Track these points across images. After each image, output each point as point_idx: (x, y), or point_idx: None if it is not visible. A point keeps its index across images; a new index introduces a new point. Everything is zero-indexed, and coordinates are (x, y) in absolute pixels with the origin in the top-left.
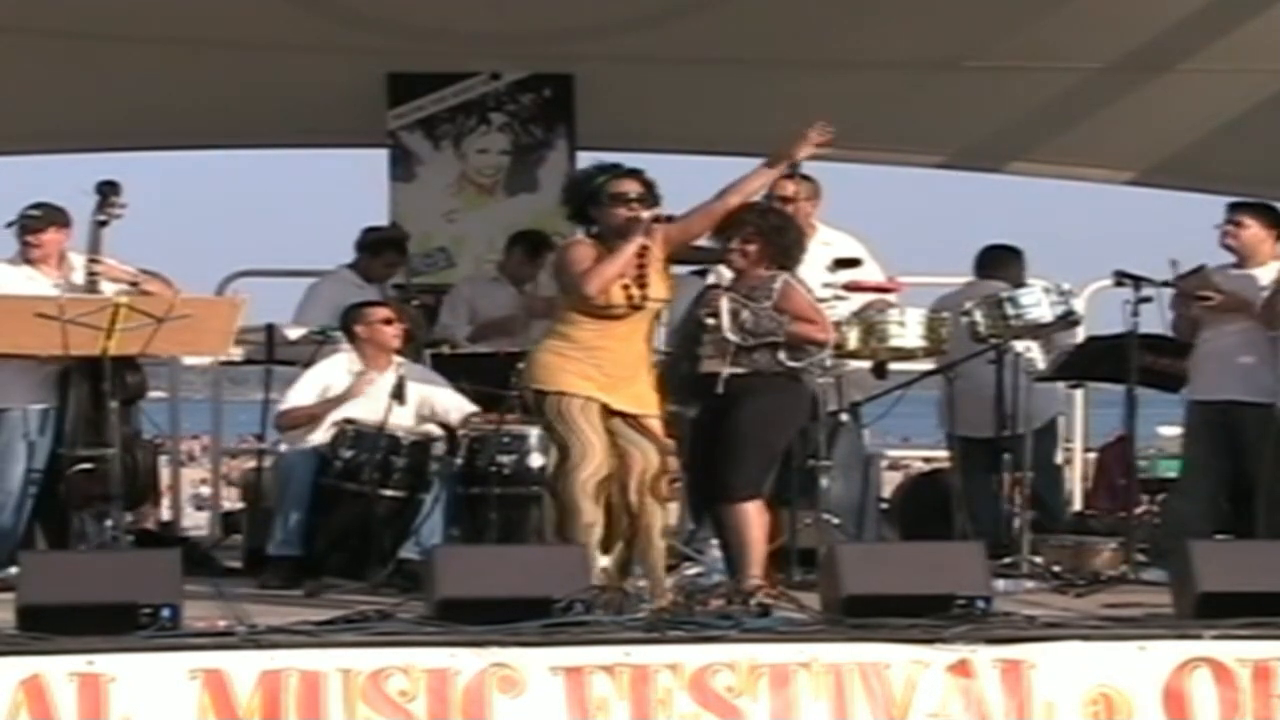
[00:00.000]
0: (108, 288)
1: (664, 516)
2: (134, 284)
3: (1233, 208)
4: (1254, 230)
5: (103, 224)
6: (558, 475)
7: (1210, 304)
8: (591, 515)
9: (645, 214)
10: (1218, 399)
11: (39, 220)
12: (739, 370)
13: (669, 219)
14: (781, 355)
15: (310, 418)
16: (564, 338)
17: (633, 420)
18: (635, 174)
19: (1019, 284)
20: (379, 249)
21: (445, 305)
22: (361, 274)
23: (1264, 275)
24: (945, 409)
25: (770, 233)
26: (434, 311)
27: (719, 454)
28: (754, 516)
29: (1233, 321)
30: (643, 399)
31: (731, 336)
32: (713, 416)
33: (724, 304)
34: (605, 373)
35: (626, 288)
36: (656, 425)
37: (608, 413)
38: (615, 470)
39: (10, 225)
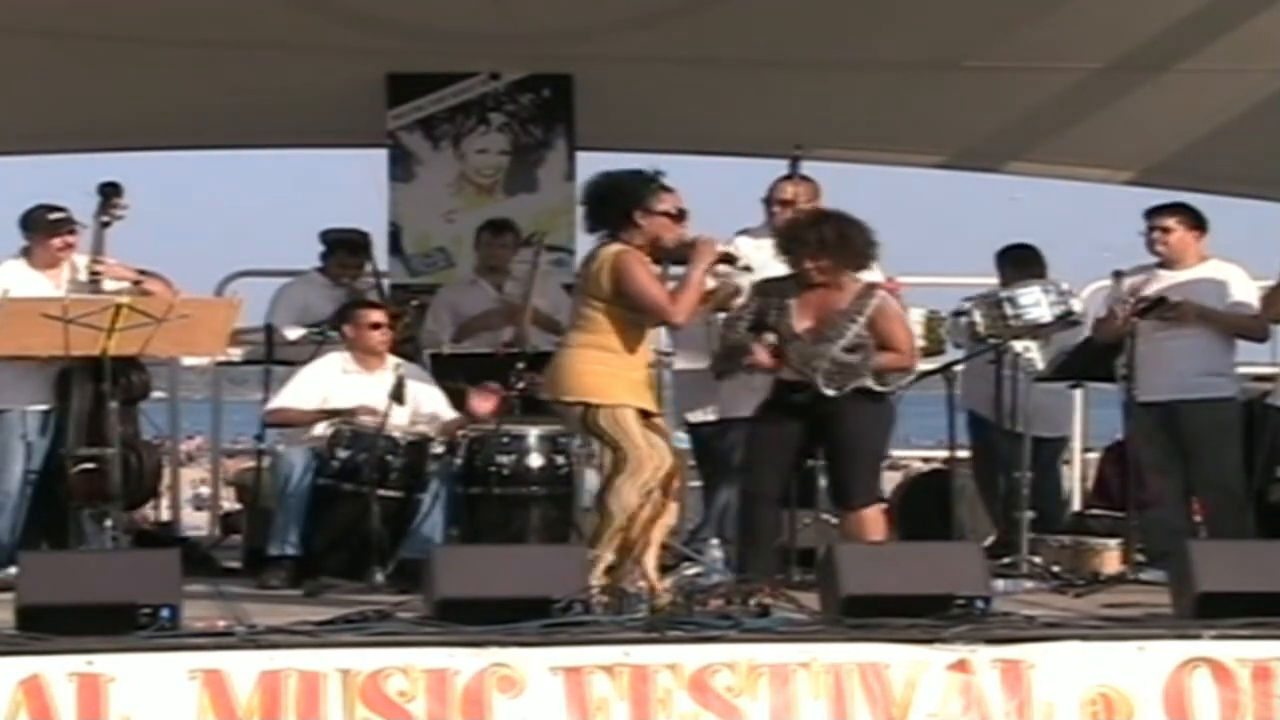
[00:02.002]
0: (109, 287)
1: (672, 513)
2: (136, 283)
3: (1154, 212)
4: (1180, 233)
5: (105, 225)
6: (612, 483)
7: (1174, 318)
8: (630, 521)
9: (706, 235)
10: (1166, 399)
11: (68, 221)
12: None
13: None
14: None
15: (301, 421)
16: (604, 348)
17: (647, 421)
18: (670, 189)
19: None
20: (332, 249)
21: (429, 313)
22: (326, 274)
23: (1196, 273)
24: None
25: (836, 242)
26: None
27: (834, 463)
28: (875, 521)
29: (1177, 325)
30: (654, 400)
31: (829, 392)
32: (809, 425)
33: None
34: (634, 378)
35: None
36: (665, 425)
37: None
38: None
39: (34, 227)
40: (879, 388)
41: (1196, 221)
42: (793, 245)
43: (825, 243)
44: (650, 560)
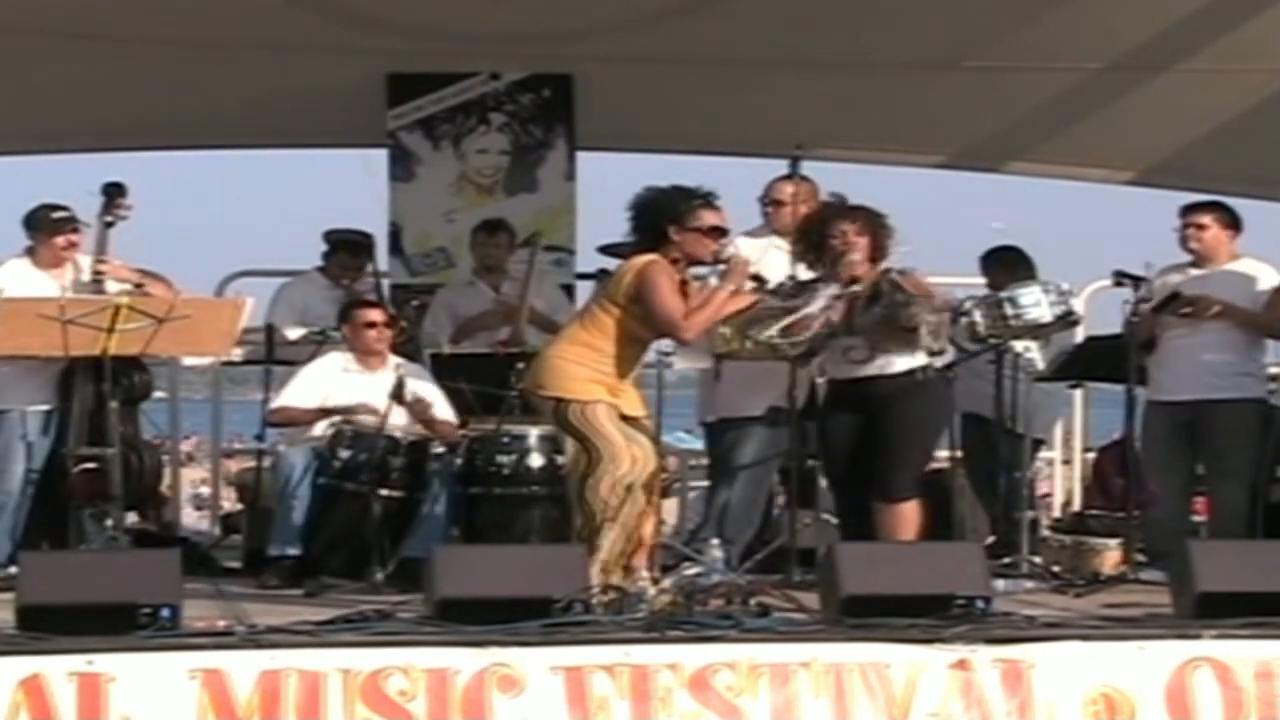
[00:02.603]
0: (112, 287)
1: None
2: (138, 285)
3: (1190, 209)
4: (1214, 231)
5: (109, 225)
6: (587, 479)
7: (1191, 313)
8: (612, 515)
9: (741, 256)
10: (1187, 399)
11: (71, 220)
12: (891, 372)
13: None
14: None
15: (304, 421)
16: (591, 347)
17: (632, 421)
18: (717, 206)
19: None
20: (334, 250)
21: (428, 315)
22: (326, 275)
23: (1227, 272)
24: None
25: (871, 221)
26: None
27: (878, 455)
28: (911, 517)
29: (1197, 321)
30: (639, 402)
31: (932, 344)
32: (862, 419)
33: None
34: (614, 379)
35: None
36: (650, 426)
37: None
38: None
39: (39, 226)
40: (933, 346)
41: (1232, 220)
42: (829, 224)
43: (868, 216)
44: (641, 560)
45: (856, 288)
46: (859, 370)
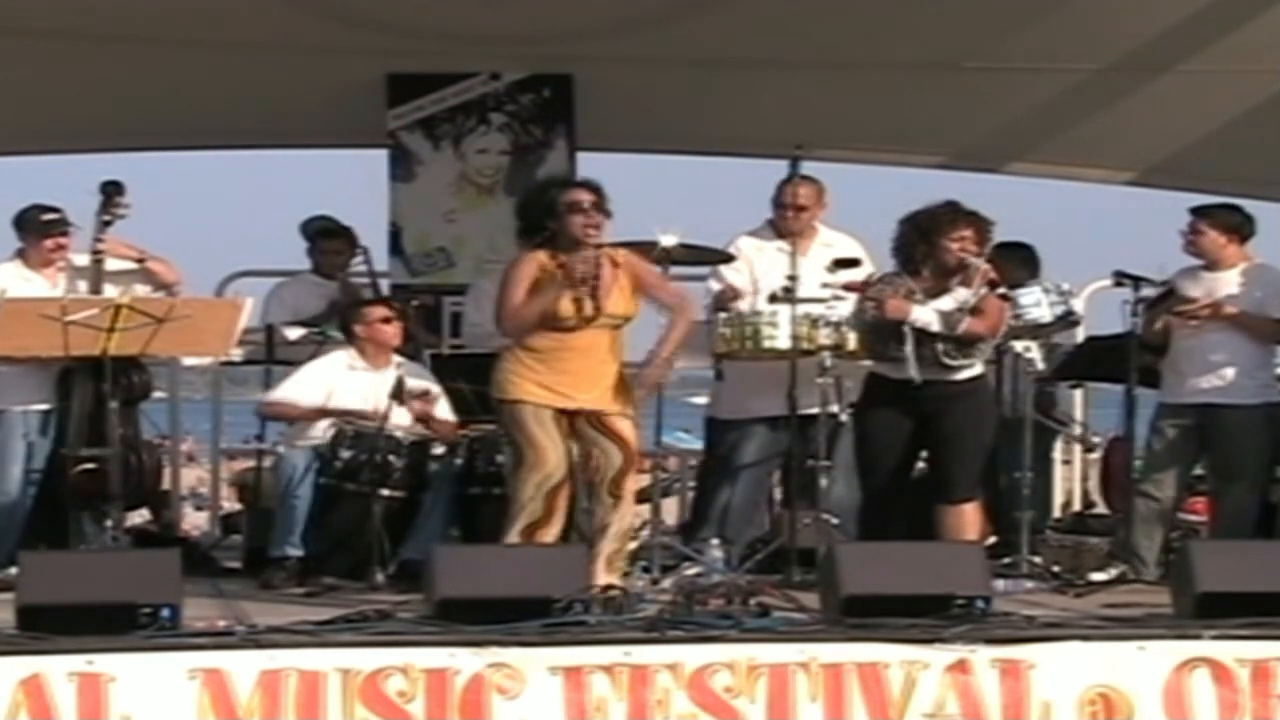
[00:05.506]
0: (112, 267)
1: (626, 516)
2: (140, 261)
3: (1191, 214)
4: (1212, 236)
5: (107, 224)
6: (514, 477)
7: (1190, 316)
8: (536, 516)
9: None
10: (1193, 402)
11: (61, 223)
12: (948, 377)
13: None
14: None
15: (297, 416)
16: (525, 347)
17: (594, 420)
18: (586, 183)
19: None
20: (314, 240)
21: (470, 304)
22: (317, 272)
23: (1232, 277)
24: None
25: (988, 238)
26: (433, 312)
27: (939, 458)
28: (973, 518)
29: (1211, 326)
30: (604, 399)
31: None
32: (911, 420)
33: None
34: (563, 379)
35: (577, 301)
36: (621, 425)
37: (568, 415)
38: (579, 471)
39: (28, 228)
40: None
41: (1232, 224)
42: (955, 225)
43: (986, 225)
44: (601, 562)
45: (999, 289)
46: (923, 373)
